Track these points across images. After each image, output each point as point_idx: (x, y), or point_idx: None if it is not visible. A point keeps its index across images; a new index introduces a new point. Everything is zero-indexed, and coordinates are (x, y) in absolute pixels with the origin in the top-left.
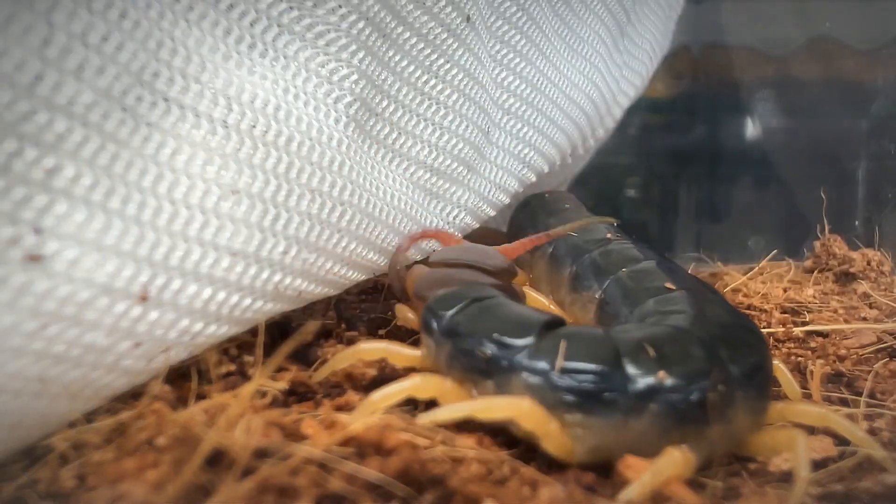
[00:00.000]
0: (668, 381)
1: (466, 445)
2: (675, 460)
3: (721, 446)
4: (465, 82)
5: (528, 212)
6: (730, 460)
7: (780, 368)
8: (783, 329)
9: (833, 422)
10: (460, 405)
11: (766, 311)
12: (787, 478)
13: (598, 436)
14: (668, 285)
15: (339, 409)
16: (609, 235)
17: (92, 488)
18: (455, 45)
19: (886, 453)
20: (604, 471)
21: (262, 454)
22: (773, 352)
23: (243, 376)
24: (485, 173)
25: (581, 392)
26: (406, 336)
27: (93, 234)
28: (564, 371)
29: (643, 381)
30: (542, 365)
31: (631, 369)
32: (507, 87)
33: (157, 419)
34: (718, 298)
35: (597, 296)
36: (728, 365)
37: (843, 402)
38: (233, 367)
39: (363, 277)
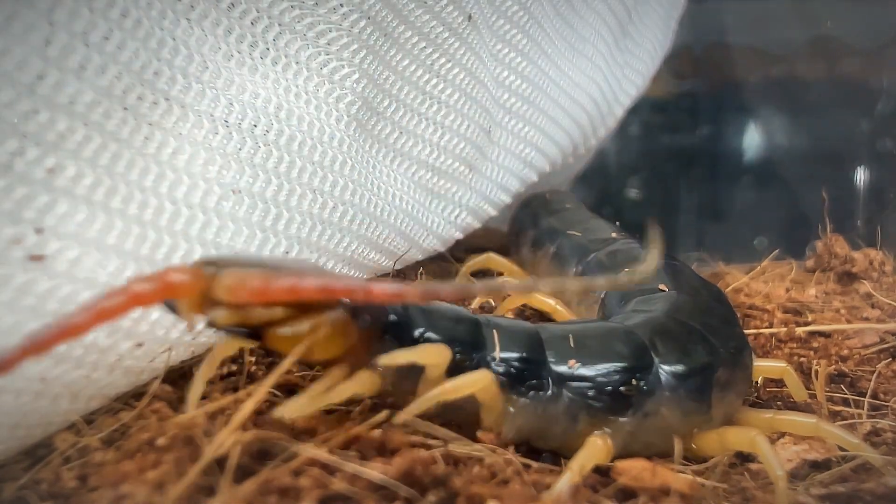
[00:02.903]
0: (580, 370)
1: (470, 446)
2: (599, 449)
3: (645, 439)
4: (466, 81)
5: (529, 211)
6: (731, 461)
7: (787, 372)
8: (785, 329)
9: (826, 433)
10: (431, 393)
11: (768, 311)
12: (790, 478)
13: (523, 415)
14: (662, 287)
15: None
16: (614, 235)
17: (93, 488)
18: (457, 44)
19: (883, 458)
20: (606, 472)
21: (264, 455)
22: (774, 353)
23: (244, 376)
24: (486, 172)
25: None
26: None
27: (94, 234)
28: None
29: (558, 368)
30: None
31: (550, 357)
32: (508, 86)
33: (158, 420)
34: (708, 304)
35: (601, 295)
36: (657, 365)
37: (846, 403)
38: (234, 367)
39: (364, 277)
